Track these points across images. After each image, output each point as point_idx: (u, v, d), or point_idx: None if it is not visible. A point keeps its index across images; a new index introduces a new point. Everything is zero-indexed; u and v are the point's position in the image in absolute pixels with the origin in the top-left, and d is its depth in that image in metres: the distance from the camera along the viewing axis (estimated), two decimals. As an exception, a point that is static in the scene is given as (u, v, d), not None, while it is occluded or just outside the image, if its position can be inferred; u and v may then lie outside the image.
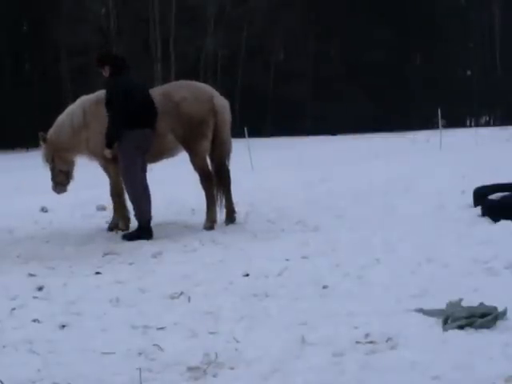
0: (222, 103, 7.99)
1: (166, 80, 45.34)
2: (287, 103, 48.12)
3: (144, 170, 7.66)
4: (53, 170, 8.27)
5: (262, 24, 47.31)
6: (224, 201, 8.14)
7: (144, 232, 7.51)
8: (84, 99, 8.18)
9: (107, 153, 7.52)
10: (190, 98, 7.76)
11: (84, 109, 8.01)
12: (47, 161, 8.27)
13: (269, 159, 20.31)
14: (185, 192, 11.39)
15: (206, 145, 7.87)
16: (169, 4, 44.78)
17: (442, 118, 23.66)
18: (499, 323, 4.01)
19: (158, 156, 8.09)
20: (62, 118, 8.15)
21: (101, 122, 7.64)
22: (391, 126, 45.36)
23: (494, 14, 59.03)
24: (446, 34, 54.68)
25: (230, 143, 8.11)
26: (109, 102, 7.45)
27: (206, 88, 8.13)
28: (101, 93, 7.95)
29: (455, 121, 51.26)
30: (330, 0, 50.48)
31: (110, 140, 7.45)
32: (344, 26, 50.55)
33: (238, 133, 43.52)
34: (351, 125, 45.11)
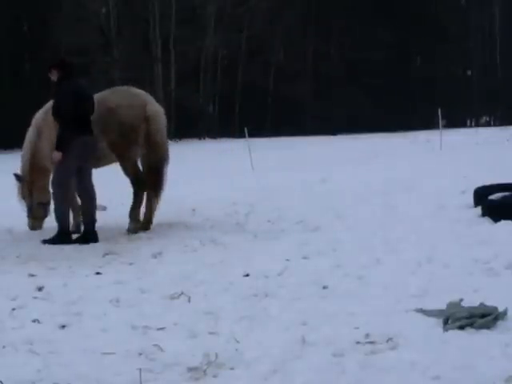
0: (155, 110, 8.02)
1: (166, 80, 45.46)
2: (287, 103, 48.07)
3: (89, 175, 7.70)
4: (30, 206, 8.24)
5: (262, 24, 47.28)
6: (153, 205, 8.10)
7: (90, 235, 7.50)
8: (35, 117, 8.27)
9: (56, 156, 7.40)
10: (122, 105, 7.84)
11: (36, 125, 8.14)
12: (24, 197, 8.25)
13: (269, 159, 20.30)
14: (185, 192, 11.40)
15: (136, 151, 7.97)
16: (169, 4, 44.73)
17: (442, 118, 23.63)
18: (499, 323, 4.01)
19: (94, 163, 8.08)
20: (24, 147, 8.24)
21: (51, 129, 7.72)
22: (391, 125, 45.32)
23: (494, 14, 59.01)
24: (446, 34, 54.65)
25: (166, 149, 8.13)
26: (57, 107, 7.46)
27: (140, 95, 8.13)
28: (49, 104, 8.03)
29: (455, 121, 51.23)
30: (330, 0, 50.49)
31: (61, 143, 7.38)
32: (344, 25, 50.53)
33: (238, 133, 43.17)
34: (351, 125, 45.09)
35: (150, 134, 7.88)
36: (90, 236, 7.51)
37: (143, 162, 8.15)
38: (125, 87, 8.41)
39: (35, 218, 8.31)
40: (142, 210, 8.18)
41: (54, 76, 7.60)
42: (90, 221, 7.59)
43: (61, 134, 7.38)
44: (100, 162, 8.09)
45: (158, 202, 8.14)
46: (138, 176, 7.99)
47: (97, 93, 8.05)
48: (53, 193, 7.68)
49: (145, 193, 8.08)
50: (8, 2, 39.72)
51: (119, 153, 7.92)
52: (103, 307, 4.86)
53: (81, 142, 7.39)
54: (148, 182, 8.03)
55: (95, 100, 7.76)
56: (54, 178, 7.62)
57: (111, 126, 7.76)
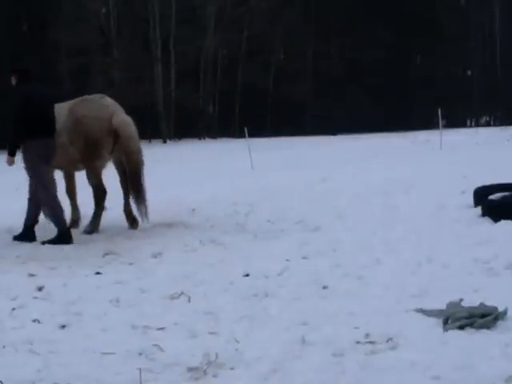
0: (121, 120, 8.10)
1: (166, 80, 45.44)
2: (287, 103, 48.06)
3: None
4: None
5: (262, 24, 47.27)
6: (142, 208, 8.25)
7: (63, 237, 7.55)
8: None
9: (8, 160, 7.51)
10: (89, 117, 7.98)
11: None
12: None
13: (269, 159, 20.30)
14: (185, 192, 11.40)
15: (101, 162, 8.15)
16: (169, 4, 44.71)
17: (442, 118, 23.61)
18: (499, 323, 4.01)
19: (68, 167, 8.37)
20: None
21: None
22: (391, 125, 45.32)
23: (494, 14, 58.99)
24: (446, 34, 54.63)
25: (140, 154, 8.26)
26: (14, 110, 7.56)
27: (108, 107, 8.21)
28: None
29: (455, 121, 51.23)
30: (330, 0, 50.47)
31: (12, 147, 7.49)
32: (344, 25, 50.52)
33: (238, 133, 43.15)
34: (351, 125, 45.08)
35: (123, 144, 8.06)
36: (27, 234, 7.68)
37: (121, 169, 8.38)
38: (96, 97, 8.48)
39: None
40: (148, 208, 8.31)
41: (13, 81, 7.78)
42: (63, 225, 7.67)
43: (12, 138, 7.55)
44: (71, 166, 8.37)
45: (145, 203, 8.26)
46: (98, 187, 8.16)
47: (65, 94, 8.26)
48: (38, 198, 7.73)
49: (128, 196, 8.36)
50: (8, 2, 39.72)
51: (84, 162, 8.14)
52: (103, 307, 4.86)
53: (41, 143, 7.51)
54: (129, 188, 8.28)
55: (67, 108, 8.03)
56: (32, 184, 7.75)
57: (77, 136, 7.96)
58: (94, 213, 8.18)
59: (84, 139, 7.93)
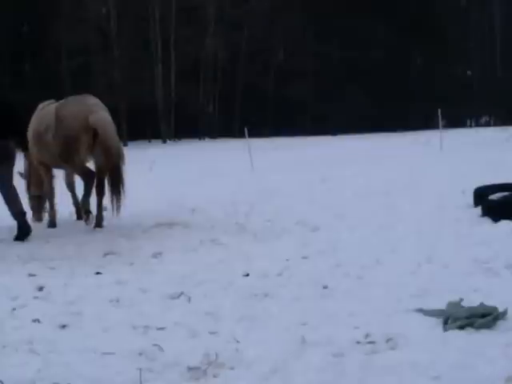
0: (98, 118, 8.23)
1: (166, 80, 45.45)
2: (287, 103, 48.10)
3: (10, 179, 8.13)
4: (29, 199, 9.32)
5: (262, 24, 47.29)
6: (115, 202, 8.42)
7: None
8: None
9: None
10: (67, 117, 8.22)
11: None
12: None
13: (269, 159, 20.31)
14: (185, 192, 11.40)
15: (80, 159, 8.35)
16: (169, 4, 44.75)
17: (442, 118, 23.61)
18: (499, 323, 4.01)
19: (54, 163, 8.65)
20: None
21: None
22: (391, 126, 45.34)
23: (494, 14, 58.98)
24: (446, 34, 54.65)
25: (118, 148, 8.37)
26: None
27: (86, 106, 8.39)
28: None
29: (455, 121, 51.23)
30: (330, 0, 50.46)
31: None
32: (344, 25, 50.52)
33: (238, 133, 43.14)
34: (351, 125, 45.09)
35: (101, 141, 8.19)
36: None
37: (102, 166, 8.47)
38: (79, 97, 8.71)
39: (33, 211, 9.12)
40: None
41: None
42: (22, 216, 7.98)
43: None
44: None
45: (120, 199, 8.42)
46: (85, 172, 8.43)
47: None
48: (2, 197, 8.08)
49: (101, 184, 8.55)
50: (8, 2, 39.73)
51: (64, 160, 8.39)
52: (103, 307, 4.86)
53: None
54: (109, 183, 8.44)
55: (53, 107, 8.34)
56: None
57: (59, 135, 8.23)
58: (84, 195, 8.46)
59: (63, 139, 8.21)
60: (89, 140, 8.22)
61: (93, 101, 8.54)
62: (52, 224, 8.76)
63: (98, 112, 8.33)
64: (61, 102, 8.62)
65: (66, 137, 8.20)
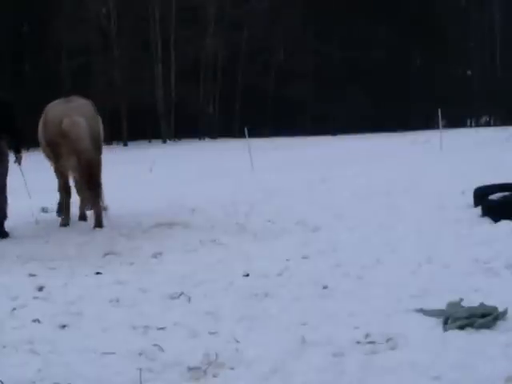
0: (70, 122, 8.26)
1: (166, 80, 45.44)
2: (287, 103, 48.07)
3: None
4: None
5: (262, 24, 47.27)
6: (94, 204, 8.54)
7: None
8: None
9: None
10: (49, 121, 8.51)
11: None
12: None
13: (269, 159, 20.31)
14: (185, 192, 11.40)
15: (63, 162, 8.58)
16: (169, 4, 44.73)
17: (442, 118, 23.60)
18: (499, 323, 4.01)
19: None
20: None
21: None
22: (391, 125, 45.32)
23: (494, 14, 58.96)
24: (446, 34, 54.63)
25: (91, 154, 8.34)
26: None
27: (63, 110, 8.46)
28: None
29: (455, 121, 51.21)
30: (330, 0, 50.46)
31: None
32: (344, 25, 50.51)
33: (238, 133, 43.12)
34: (352, 125, 45.08)
35: (72, 144, 8.26)
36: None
37: (76, 168, 8.56)
38: (62, 100, 8.80)
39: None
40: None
41: None
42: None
43: None
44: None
45: (101, 201, 8.53)
46: (62, 183, 8.84)
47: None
48: None
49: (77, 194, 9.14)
50: (8, 2, 39.72)
51: (52, 161, 8.78)
52: (103, 307, 4.87)
53: None
54: (85, 186, 8.61)
55: (47, 109, 8.60)
56: None
57: (46, 139, 8.58)
58: (58, 206, 8.99)
59: (48, 141, 8.54)
60: (68, 144, 8.29)
61: (74, 104, 8.59)
62: (65, 223, 8.74)
63: (71, 116, 8.35)
64: (50, 104, 8.79)
65: (48, 141, 8.52)
